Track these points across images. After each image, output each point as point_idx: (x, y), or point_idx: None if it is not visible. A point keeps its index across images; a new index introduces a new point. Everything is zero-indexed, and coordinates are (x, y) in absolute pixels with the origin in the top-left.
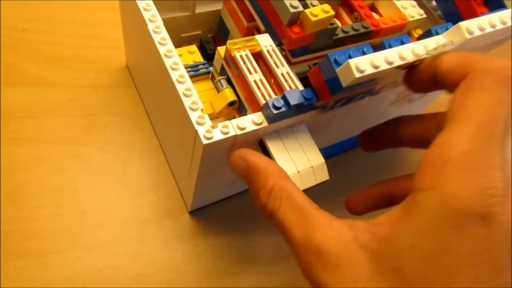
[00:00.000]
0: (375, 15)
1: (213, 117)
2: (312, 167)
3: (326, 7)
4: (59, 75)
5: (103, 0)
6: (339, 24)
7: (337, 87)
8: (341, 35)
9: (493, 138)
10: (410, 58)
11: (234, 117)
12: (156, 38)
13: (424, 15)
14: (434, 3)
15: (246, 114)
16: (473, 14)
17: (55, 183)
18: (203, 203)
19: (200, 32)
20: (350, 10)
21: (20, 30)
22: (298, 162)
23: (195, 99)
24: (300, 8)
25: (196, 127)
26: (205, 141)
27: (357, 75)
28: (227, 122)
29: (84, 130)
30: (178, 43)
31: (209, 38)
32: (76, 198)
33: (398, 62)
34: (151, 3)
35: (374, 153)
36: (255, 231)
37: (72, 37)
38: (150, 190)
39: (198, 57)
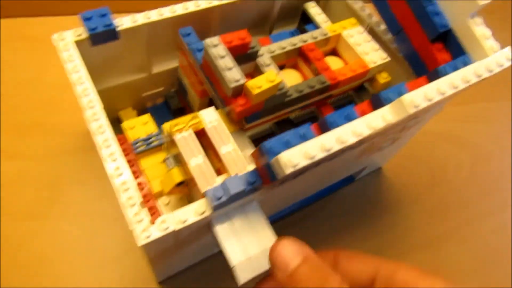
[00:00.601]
0: (336, 61)
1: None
2: (265, 249)
3: (271, 75)
4: (23, 144)
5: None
6: (297, 78)
7: (274, 176)
8: (295, 95)
9: None
10: (352, 140)
11: (187, 195)
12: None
13: (388, 59)
14: None
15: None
16: (433, 59)
17: (17, 264)
18: (171, 272)
19: (162, 88)
20: (308, 61)
21: None
22: (249, 246)
23: (132, 193)
24: (242, 81)
25: (132, 226)
26: (142, 242)
27: (289, 171)
28: (166, 217)
29: (48, 203)
30: (139, 103)
31: (173, 93)
32: (39, 280)
33: (337, 147)
34: (74, 54)
35: (340, 210)
36: None
37: (37, 101)
38: (116, 261)
39: (151, 128)
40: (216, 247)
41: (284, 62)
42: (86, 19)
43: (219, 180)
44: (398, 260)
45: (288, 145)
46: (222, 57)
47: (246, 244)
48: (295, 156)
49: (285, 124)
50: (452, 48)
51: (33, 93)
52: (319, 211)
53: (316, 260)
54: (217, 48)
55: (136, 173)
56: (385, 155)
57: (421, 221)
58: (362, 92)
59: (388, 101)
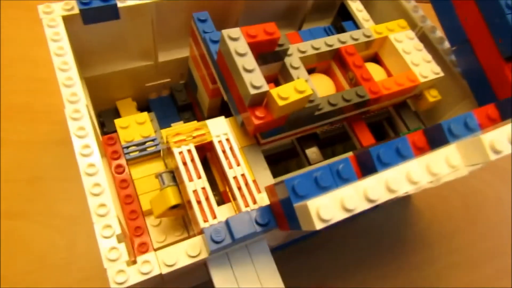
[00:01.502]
0: (377, 69)
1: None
2: None
3: (301, 84)
4: (8, 130)
5: None
6: (329, 86)
7: (296, 225)
8: (327, 109)
9: None
10: (405, 189)
11: (182, 217)
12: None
13: (441, 74)
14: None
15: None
16: (504, 82)
17: None
18: None
19: (169, 79)
20: (344, 66)
21: None
22: None
23: (111, 221)
24: (264, 88)
25: (106, 264)
26: (114, 286)
27: (319, 226)
28: (150, 256)
29: (27, 200)
30: (141, 93)
31: (181, 85)
32: None
33: (385, 198)
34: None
35: (359, 241)
36: None
37: (27, 81)
38: (99, 275)
39: (147, 130)
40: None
41: (314, 65)
42: None
43: (222, 214)
44: None
45: (318, 186)
46: (242, 55)
47: None
48: (328, 208)
49: (309, 139)
50: None
51: (22, 72)
52: (338, 239)
53: None
54: (237, 42)
55: (126, 182)
56: None
57: (449, 265)
58: (403, 109)
59: (452, 135)
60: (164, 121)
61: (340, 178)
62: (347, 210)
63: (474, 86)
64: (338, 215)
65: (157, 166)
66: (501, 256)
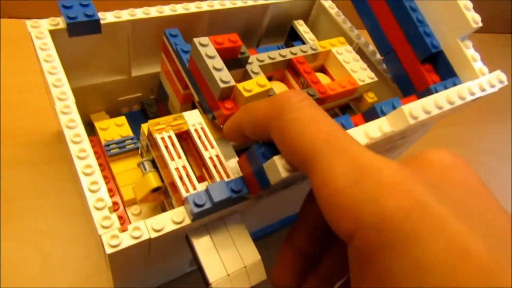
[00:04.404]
0: (324, 78)
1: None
2: (245, 267)
3: (262, 79)
4: None
5: (28, 63)
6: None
7: (266, 183)
8: None
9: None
10: None
11: (162, 202)
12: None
13: (375, 78)
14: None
15: (171, 202)
16: (422, 80)
17: None
18: None
19: (140, 94)
20: (296, 74)
21: None
22: (228, 262)
23: (102, 194)
24: (232, 83)
25: (100, 231)
26: (109, 250)
27: (285, 174)
28: (140, 224)
29: (1, 219)
30: (114, 108)
31: (151, 100)
32: None
33: None
34: (50, 43)
35: None
36: None
37: None
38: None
39: (126, 131)
40: (187, 267)
41: (271, 73)
42: (65, 8)
43: (201, 187)
44: None
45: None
46: (212, 57)
47: (225, 260)
48: None
49: None
50: (441, 70)
51: None
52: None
53: None
54: (207, 48)
55: (106, 179)
56: None
57: None
58: (348, 111)
59: (383, 113)
60: (135, 134)
61: None
62: None
63: (401, 87)
64: None
65: (136, 161)
66: None
